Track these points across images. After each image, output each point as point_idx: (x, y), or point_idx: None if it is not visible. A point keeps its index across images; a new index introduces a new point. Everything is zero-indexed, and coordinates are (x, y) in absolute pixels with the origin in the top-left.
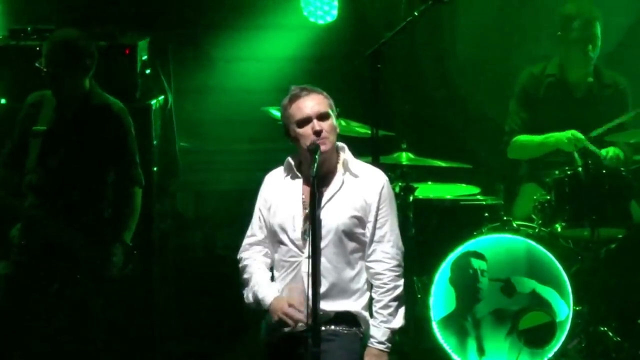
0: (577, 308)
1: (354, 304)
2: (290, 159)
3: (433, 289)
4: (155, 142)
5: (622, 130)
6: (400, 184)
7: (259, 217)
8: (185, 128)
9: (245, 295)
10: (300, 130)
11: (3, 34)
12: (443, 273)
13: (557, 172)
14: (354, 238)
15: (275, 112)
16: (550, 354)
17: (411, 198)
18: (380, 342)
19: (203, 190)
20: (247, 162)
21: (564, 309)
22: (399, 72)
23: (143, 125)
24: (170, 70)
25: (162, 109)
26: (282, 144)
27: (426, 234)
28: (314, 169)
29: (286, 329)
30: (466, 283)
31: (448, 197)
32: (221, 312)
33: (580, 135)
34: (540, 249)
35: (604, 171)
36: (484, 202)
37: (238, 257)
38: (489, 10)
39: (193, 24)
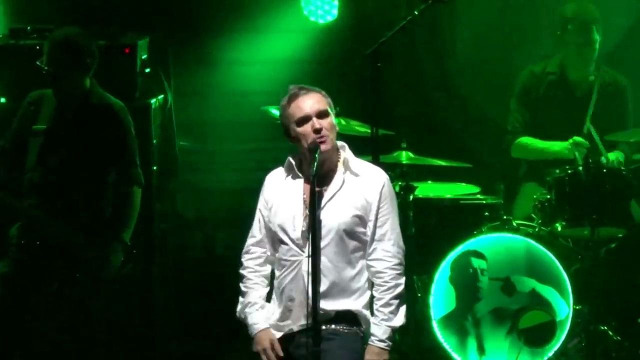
0: (577, 307)
1: (354, 303)
2: (290, 159)
3: (433, 288)
4: (154, 142)
5: (622, 129)
6: (400, 183)
7: (259, 218)
8: (185, 127)
9: (238, 308)
10: (300, 129)
11: (3, 33)
12: (443, 272)
13: (557, 171)
14: (355, 237)
15: (275, 112)
16: (550, 353)
17: (411, 197)
18: (381, 340)
19: (203, 189)
20: (248, 162)
21: (564, 308)
22: (399, 72)
23: (143, 125)
24: (170, 70)
25: (162, 108)
26: (282, 144)
27: (426, 233)
28: (314, 168)
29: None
30: (466, 282)
31: (448, 196)
32: (221, 312)
33: (583, 141)
34: (540, 248)
35: (604, 170)
36: (484, 201)
37: (241, 260)
38: (488, 10)
39: (193, 26)
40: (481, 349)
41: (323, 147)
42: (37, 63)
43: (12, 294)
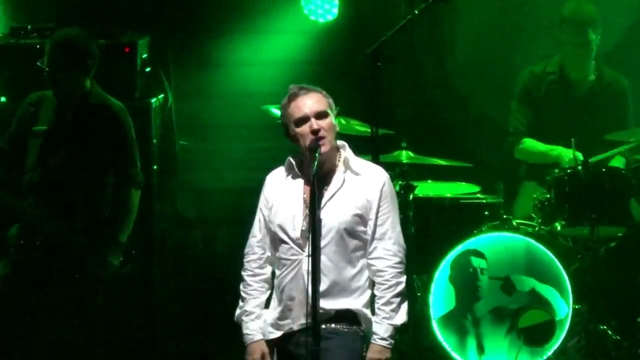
0: (577, 306)
1: (354, 302)
2: (291, 159)
3: (433, 287)
4: (154, 141)
5: (623, 129)
6: (400, 182)
7: (260, 218)
8: (185, 127)
9: (237, 312)
10: (298, 130)
11: (3, 32)
12: (443, 271)
13: (557, 170)
14: (356, 236)
15: (275, 111)
16: (550, 353)
17: (411, 196)
18: (382, 339)
19: (203, 189)
20: (248, 161)
21: (564, 308)
22: (399, 71)
23: (143, 124)
24: (170, 69)
25: (162, 108)
26: (281, 143)
27: (426, 232)
28: (314, 168)
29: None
30: (466, 281)
31: (448, 195)
32: (221, 311)
33: (580, 157)
34: (540, 247)
35: (603, 170)
36: (484, 201)
37: (243, 260)
38: (488, 10)
39: (193, 26)
40: (481, 348)
41: (322, 148)
42: (38, 64)
43: (12, 294)
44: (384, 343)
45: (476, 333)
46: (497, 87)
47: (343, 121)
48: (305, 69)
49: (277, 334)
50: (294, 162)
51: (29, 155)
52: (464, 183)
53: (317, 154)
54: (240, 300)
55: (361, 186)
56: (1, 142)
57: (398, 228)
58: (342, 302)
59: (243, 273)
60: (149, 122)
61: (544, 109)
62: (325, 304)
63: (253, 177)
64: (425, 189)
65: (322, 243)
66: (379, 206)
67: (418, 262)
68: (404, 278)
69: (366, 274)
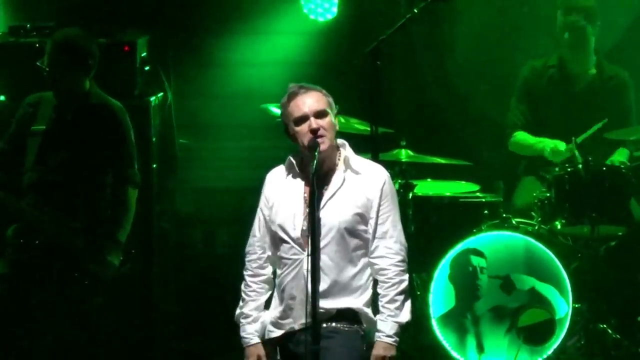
0: (577, 305)
1: (355, 301)
2: (291, 158)
3: (432, 286)
4: (154, 140)
5: (625, 123)
6: (399, 181)
7: (260, 217)
8: (185, 126)
9: (237, 312)
10: (298, 128)
11: (2, 31)
12: (442, 270)
13: (557, 169)
14: (356, 235)
15: (274, 109)
16: (550, 352)
17: (410, 195)
18: (388, 336)
19: (202, 187)
20: (247, 160)
21: (563, 307)
22: (399, 70)
23: (142, 123)
24: (170, 68)
25: (161, 106)
26: (281, 142)
27: (425, 231)
28: (314, 167)
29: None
30: (465, 280)
31: (447, 194)
32: (221, 311)
33: (562, 148)
34: (540, 246)
35: (604, 168)
36: (484, 200)
37: (244, 259)
38: (488, 9)
39: (193, 26)
40: (480, 347)
41: (321, 146)
42: (38, 64)
43: (11, 294)
44: (389, 340)
45: (476, 332)
46: (497, 86)
47: (342, 120)
48: (305, 69)
49: (279, 332)
50: (294, 161)
51: (27, 155)
52: (463, 182)
53: (316, 153)
54: (240, 301)
55: (361, 185)
56: (1, 144)
57: (399, 226)
58: (343, 301)
59: (244, 273)
60: (149, 120)
61: (545, 103)
62: (326, 303)
63: (253, 176)
64: (425, 187)
65: (323, 242)
66: (379, 205)
67: (417, 261)
68: (406, 276)
69: (367, 273)
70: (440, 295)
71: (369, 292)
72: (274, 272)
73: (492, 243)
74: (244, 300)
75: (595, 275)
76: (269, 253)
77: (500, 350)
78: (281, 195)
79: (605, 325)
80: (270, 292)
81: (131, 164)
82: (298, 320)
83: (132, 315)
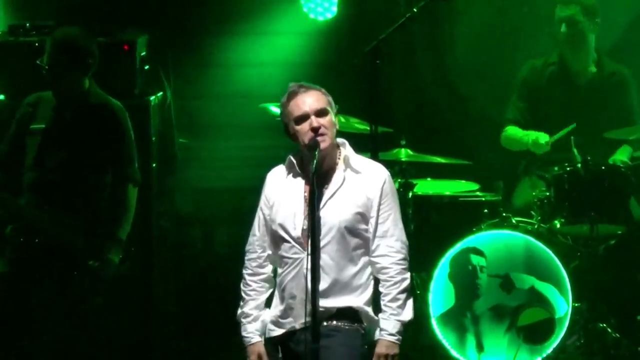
0: (576, 304)
1: (356, 300)
2: (291, 157)
3: (432, 285)
4: (153, 139)
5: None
6: (399, 180)
7: (260, 217)
8: (184, 126)
9: (238, 312)
10: (298, 127)
11: (2, 30)
12: (442, 269)
13: (556, 168)
14: (357, 234)
15: (273, 109)
16: (549, 350)
17: (410, 194)
18: (391, 334)
19: (202, 187)
20: (247, 160)
21: (563, 306)
22: (398, 69)
23: (142, 122)
24: (169, 67)
25: (161, 106)
26: (281, 141)
27: (425, 230)
28: (314, 166)
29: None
30: (465, 279)
31: (447, 193)
32: (220, 310)
33: (542, 141)
34: (540, 245)
35: (603, 168)
36: (483, 199)
37: (244, 258)
38: (488, 9)
39: (193, 27)
40: (480, 346)
41: (322, 145)
42: (37, 62)
43: (10, 293)
44: (392, 339)
45: (475, 331)
46: (497, 86)
47: (342, 119)
48: (305, 69)
49: (280, 331)
50: (294, 161)
51: (27, 154)
52: (463, 181)
53: (316, 152)
54: (240, 301)
55: (362, 184)
56: (2, 145)
57: (400, 225)
58: (343, 300)
59: (244, 272)
60: (148, 120)
61: (545, 101)
62: (327, 302)
63: (252, 176)
64: (425, 186)
65: (323, 242)
66: (379, 204)
67: (417, 260)
68: (408, 274)
69: (368, 271)
70: (440, 294)
71: (370, 290)
72: (275, 271)
73: (491, 242)
74: (244, 299)
75: (595, 275)
76: (269, 252)
77: (500, 349)
78: (281, 194)
79: (604, 324)
80: (270, 291)
81: (131, 162)
82: (298, 320)
83: (132, 315)
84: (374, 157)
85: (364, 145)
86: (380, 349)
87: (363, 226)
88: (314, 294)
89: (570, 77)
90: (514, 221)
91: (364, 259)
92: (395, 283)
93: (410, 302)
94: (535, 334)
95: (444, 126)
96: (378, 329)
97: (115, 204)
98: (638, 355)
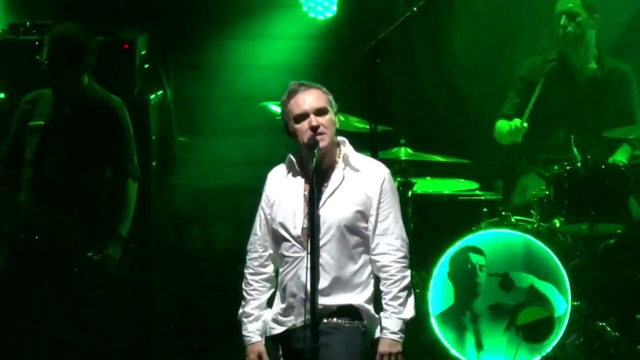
0: (576, 303)
1: (356, 297)
2: (291, 156)
3: (431, 283)
4: (153, 137)
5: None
6: (398, 179)
7: (261, 216)
8: (184, 123)
9: (239, 311)
10: (297, 126)
11: (2, 29)
12: (441, 268)
13: (556, 167)
14: (357, 232)
15: (273, 107)
16: (549, 349)
17: (410, 193)
18: (393, 332)
19: (201, 185)
20: (246, 158)
21: (562, 304)
22: (398, 68)
23: (141, 120)
24: (169, 66)
25: (161, 104)
26: (280, 140)
27: (424, 229)
28: (313, 165)
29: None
30: (464, 278)
31: (446, 192)
32: (220, 307)
33: (516, 124)
34: (539, 244)
35: (602, 166)
36: (483, 197)
37: (246, 258)
38: (488, 8)
39: (193, 29)
40: (479, 345)
41: (321, 144)
42: (37, 57)
43: (9, 289)
44: (394, 337)
45: (475, 330)
46: (496, 85)
47: (342, 118)
48: (305, 69)
49: (280, 329)
50: (294, 160)
51: (26, 151)
52: (462, 180)
53: (315, 151)
54: (242, 300)
55: (361, 182)
56: (4, 146)
57: (400, 223)
58: (344, 298)
59: (245, 271)
60: (148, 118)
61: (545, 97)
62: (328, 300)
63: (252, 175)
64: (424, 185)
65: (323, 240)
66: (379, 202)
67: (417, 259)
68: (409, 272)
69: (368, 269)
70: (440, 293)
71: (370, 288)
72: (276, 271)
73: (491, 241)
74: (245, 299)
75: (594, 273)
76: (270, 251)
77: (499, 348)
78: (282, 193)
79: (604, 323)
80: (272, 291)
81: (130, 158)
82: (299, 318)
83: (131, 315)
84: (374, 156)
85: (363, 144)
86: (383, 348)
87: (363, 224)
88: (314, 293)
89: (570, 74)
90: (513, 220)
91: (365, 257)
92: (396, 281)
93: (411, 299)
94: (535, 332)
95: (443, 125)
96: (379, 328)
97: (115, 200)
98: (637, 353)
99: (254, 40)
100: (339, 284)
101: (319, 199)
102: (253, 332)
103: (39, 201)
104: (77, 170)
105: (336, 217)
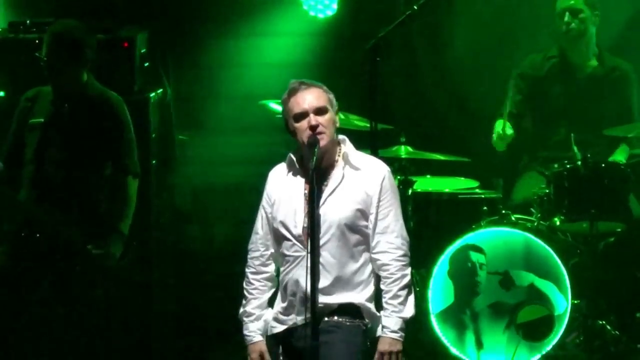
0: (576, 302)
1: (357, 296)
2: (291, 155)
3: (431, 282)
4: (153, 135)
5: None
6: (399, 177)
7: (262, 215)
8: (184, 121)
9: (240, 311)
10: (297, 125)
11: (2, 27)
12: (441, 266)
13: (556, 165)
14: (357, 231)
15: (273, 106)
16: (549, 348)
17: (410, 191)
18: (393, 331)
19: (201, 183)
20: (247, 156)
21: (562, 303)
22: (398, 66)
23: (141, 118)
24: (169, 64)
25: (161, 102)
26: (280, 139)
27: (425, 227)
28: (313, 163)
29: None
30: (465, 276)
31: (447, 190)
32: (220, 307)
33: (498, 128)
34: (539, 242)
35: (602, 165)
36: (483, 196)
37: (247, 257)
38: (487, 7)
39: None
40: (479, 343)
41: (320, 143)
42: (36, 54)
43: (9, 287)
44: (394, 336)
45: (475, 328)
46: (496, 83)
47: (342, 116)
48: (305, 67)
49: (281, 327)
50: (294, 158)
51: (26, 149)
52: (462, 178)
53: (316, 149)
54: (243, 299)
55: (361, 181)
56: (5, 146)
57: (401, 221)
58: (345, 296)
59: (246, 270)
60: (148, 116)
61: (545, 94)
62: (329, 299)
63: (253, 173)
64: (424, 184)
65: (324, 239)
66: (379, 200)
67: (417, 257)
68: (409, 270)
69: (369, 268)
70: (439, 291)
71: (372, 287)
72: (277, 270)
73: (491, 239)
74: (246, 298)
75: (594, 272)
76: (272, 250)
77: (499, 346)
78: (282, 192)
79: (604, 322)
80: (273, 290)
81: (130, 154)
82: (300, 317)
83: (131, 314)
84: (374, 154)
85: (363, 142)
86: (383, 347)
87: (363, 222)
88: (313, 292)
89: (570, 71)
90: (513, 218)
91: (365, 255)
92: (396, 280)
93: (411, 298)
94: (535, 331)
95: (443, 123)
96: (380, 326)
97: (115, 196)
98: (637, 352)
99: (254, 38)
100: (340, 282)
101: (319, 197)
102: (254, 331)
103: (39, 199)
104: (77, 167)
105: (336, 216)
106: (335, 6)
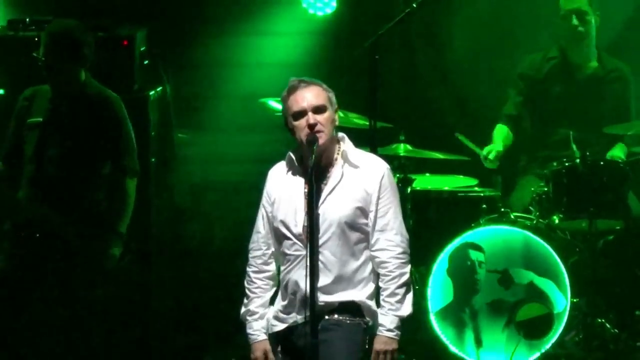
0: (575, 300)
1: (358, 294)
2: (291, 153)
3: (431, 280)
4: (152, 134)
5: (625, 115)
6: (398, 175)
7: (263, 214)
8: (184, 120)
9: (242, 311)
10: (296, 123)
11: (1, 25)
12: (441, 264)
13: (555, 163)
14: (357, 229)
15: (272, 104)
16: (548, 346)
17: (409, 190)
18: (389, 330)
19: (201, 181)
20: (246, 155)
21: (562, 301)
22: (397, 64)
23: (141, 117)
24: (168, 62)
25: (160, 100)
26: (280, 136)
27: (424, 225)
28: (312, 162)
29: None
30: (464, 274)
31: (446, 188)
32: (220, 305)
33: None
34: (538, 240)
35: (601, 163)
36: (482, 194)
37: (248, 256)
38: (487, 5)
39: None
40: (478, 342)
41: (319, 141)
42: (34, 54)
43: (9, 288)
44: (390, 334)
45: (474, 326)
46: (495, 81)
47: (341, 114)
48: (304, 66)
49: (282, 326)
50: (294, 157)
51: (26, 148)
52: (461, 176)
53: (315, 147)
54: (245, 298)
55: (360, 179)
56: (5, 145)
57: (400, 218)
58: (345, 294)
59: (248, 269)
60: (147, 115)
61: (545, 95)
62: (329, 297)
63: (252, 171)
64: (423, 182)
65: (324, 237)
66: (378, 198)
67: (416, 255)
68: (408, 268)
69: (370, 265)
70: (439, 289)
71: (373, 285)
72: (278, 268)
73: (490, 237)
74: (248, 297)
75: (594, 270)
76: (273, 249)
77: (499, 344)
78: (282, 191)
79: (603, 320)
80: (274, 289)
81: (129, 153)
82: (300, 315)
83: (130, 312)
84: (373, 152)
85: (362, 140)
86: (378, 346)
87: (363, 220)
88: (313, 291)
89: (571, 71)
90: (512, 216)
91: (366, 253)
92: (394, 278)
93: (409, 296)
94: (534, 329)
95: (442, 122)
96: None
97: (114, 195)
98: (637, 350)
99: (254, 36)
100: (341, 281)
101: (319, 196)
102: (258, 330)
103: (39, 198)
104: (75, 166)
105: (336, 215)
106: (334, 4)
